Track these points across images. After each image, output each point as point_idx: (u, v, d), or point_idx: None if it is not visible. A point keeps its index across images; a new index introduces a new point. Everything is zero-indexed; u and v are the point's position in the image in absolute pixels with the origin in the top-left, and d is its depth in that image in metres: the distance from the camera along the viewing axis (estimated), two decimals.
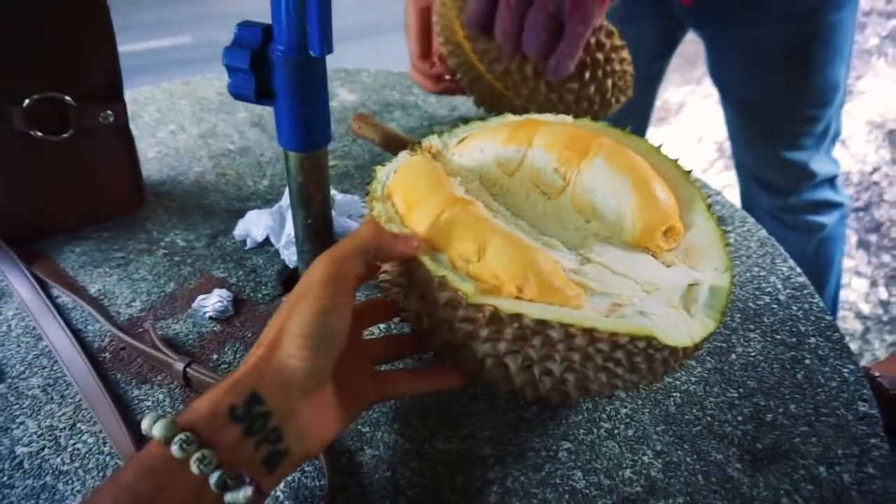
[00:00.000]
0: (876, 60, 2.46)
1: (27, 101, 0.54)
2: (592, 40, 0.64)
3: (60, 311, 0.54)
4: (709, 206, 0.45)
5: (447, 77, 0.79)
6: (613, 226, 0.44)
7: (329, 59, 0.47)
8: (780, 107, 1.01)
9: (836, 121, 1.06)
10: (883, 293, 1.75)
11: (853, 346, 1.49)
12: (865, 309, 1.71)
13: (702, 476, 0.44)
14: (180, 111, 0.87)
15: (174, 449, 0.31)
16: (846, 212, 1.19)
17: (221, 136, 0.81)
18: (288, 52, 0.45)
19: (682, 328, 0.38)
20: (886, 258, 1.84)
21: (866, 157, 2.12)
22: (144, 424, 0.32)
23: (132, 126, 0.62)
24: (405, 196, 0.44)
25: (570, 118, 0.51)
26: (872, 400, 0.51)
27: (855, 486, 0.44)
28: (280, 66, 0.45)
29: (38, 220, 0.60)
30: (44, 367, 0.49)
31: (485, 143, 0.49)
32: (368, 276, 0.44)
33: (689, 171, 0.47)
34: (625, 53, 0.68)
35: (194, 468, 0.31)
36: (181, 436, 0.31)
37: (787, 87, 0.98)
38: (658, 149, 0.48)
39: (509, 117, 0.52)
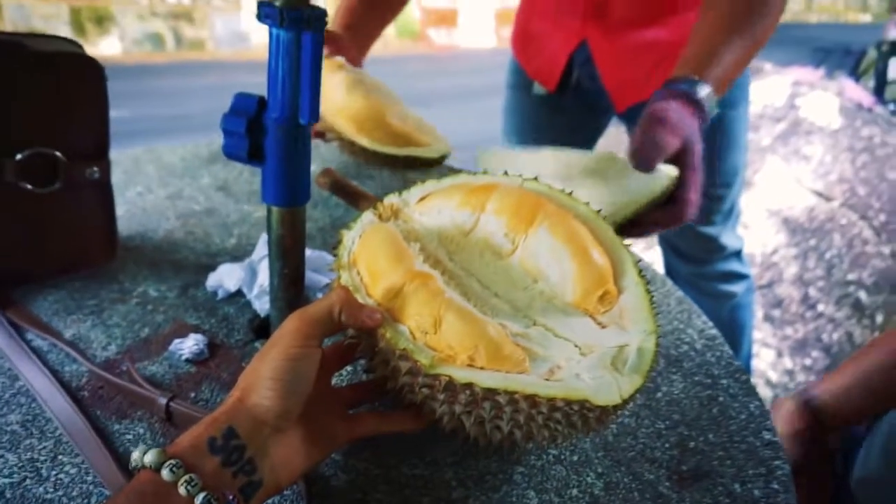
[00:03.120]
0: (770, 157, 2.79)
1: (20, 156, 0.58)
2: None
3: (36, 353, 0.56)
4: (639, 271, 0.51)
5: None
6: (556, 287, 0.50)
7: None
8: None
9: (738, 202, 1.23)
10: (788, 363, 1.91)
11: None
12: (774, 377, 1.86)
13: (637, 493, 0.50)
14: (146, 174, 0.91)
15: (165, 473, 0.35)
16: (752, 283, 1.34)
17: (187, 198, 0.86)
18: (280, 120, 0.52)
19: (613, 388, 0.43)
20: (789, 331, 2.02)
21: (766, 240, 2.36)
22: (135, 455, 0.36)
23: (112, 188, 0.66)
24: (369, 267, 0.49)
25: (519, 178, 0.56)
26: (774, 429, 0.59)
27: (763, 499, 0.51)
28: (273, 131, 0.52)
29: (15, 268, 0.62)
30: (21, 405, 0.51)
31: (442, 205, 0.55)
32: (332, 334, 0.50)
33: (623, 237, 0.53)
34: None
35: (182, 490, 0.35)
36: (171, 461, 0.36)
37: None
38: (597, 214, 0.54)
39: (463, 177, 0.58)
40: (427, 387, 0.43)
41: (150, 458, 0.35)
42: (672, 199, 0.65)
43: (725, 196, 1.19)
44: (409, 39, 9.61)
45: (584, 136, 1.21)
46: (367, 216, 0.55)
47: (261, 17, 0.49)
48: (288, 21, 0.48)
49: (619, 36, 1.02)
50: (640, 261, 0.53)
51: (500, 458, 0.52)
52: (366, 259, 0.50)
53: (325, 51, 0.79)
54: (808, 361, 1.94)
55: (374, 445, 0.51)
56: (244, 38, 7.46)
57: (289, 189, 0.55)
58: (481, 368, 0.43)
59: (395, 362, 0.44)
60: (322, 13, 0.49)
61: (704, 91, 0.69)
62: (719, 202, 1.19)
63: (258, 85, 0.54)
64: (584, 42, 1.05)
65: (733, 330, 1.33)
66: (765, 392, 1.81)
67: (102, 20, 7.89)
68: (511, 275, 0.52)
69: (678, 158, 0.65)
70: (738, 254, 1.29)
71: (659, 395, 0.62)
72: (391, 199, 0.56)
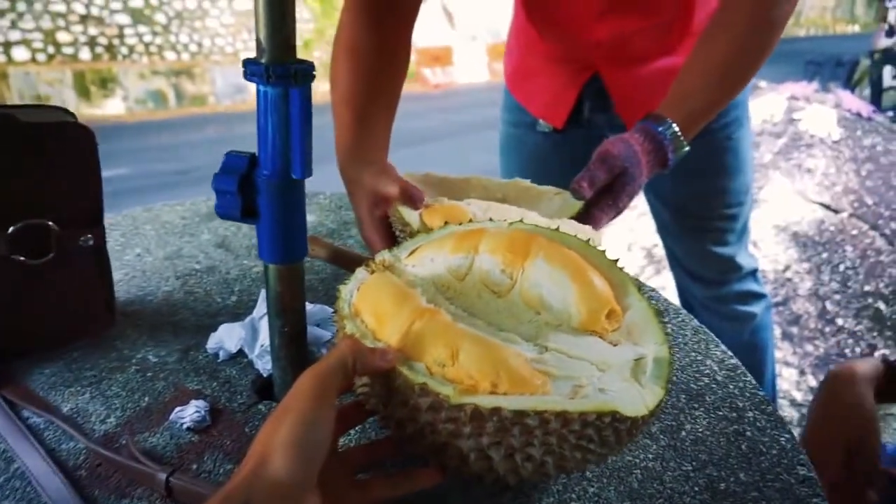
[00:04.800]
0: (772, 173, 2.78)
1: (11, 228, 0.57)
2: None
3: (32, 431, 0.54)
4: (639, 288, 0.51)
5: None
6: (561, 315, 0.50)
7: None
8: (706, 207, 1.15)
9: (749, 221, 1.22)
10: (812, 381, 1.86)
11: None
12: (798, 396, 1.81)
13: None
14: (144, 235, 0.90)
15: None
16: (770, 302, 1.32)
17: (187, 257, 0.85)
18: (272, 177, 0.50)
19: (638, 399, 0.43)
20: (809, 347, 1.97)
21: (777, 257, 2.33)
22: None
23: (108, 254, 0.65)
24: (373, 312, 0.48)
25: (505, 223, 0.57)
26: (809, 464, 0.56)
27: None
28: (265, 189, 0.51)
29: (9, 342, 0.61)
30: (16, 490, 0.49)
31: (434, 254, 0.54)
32: (346, 388, 0.48)
33: (616, 260, 0.53)
34: None
35: None
36: None
37: (710, 190, 1.13)
38: (587, 243, 0.54)
39: (451, 228, 0.58)
40: (451, 421, 0.41)
41: None
42: (583, 218, 0.75)
43: (738, 215, 1.17)
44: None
45: None
46: (361, 272, 0.54)
47: (247, 75, 0.48)
48: (275, 77, 0.47)
49: (634, 66, 1.02)
50: (647, 292, 0.52)
51: None
52: (369, 305, 0.49)
53: (400, 202, 0.72)
54: None
55: None
56: (243, 89, 7.61)
57: (285, 246, 0.53)
58: (504, 394, 0.42)
59: (414, 400, 0.42)
60: (309, 67, 0.49)
61: (670, 131, 0.76)
62: (732, 221, 1.17)
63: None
64: (595, 74, 1.04)
65: (756, 353, 1.30)
66: (790, 413, 1.76)
67: (106, 82, 8.08)
68: (513, 310, 0.51)
69: (608, 185, 0.73)
70: (753, 273, 1.26)
71: (683, 433, 0.59)
72: (382, 256, 0.55)
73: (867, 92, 5.56)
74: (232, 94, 7.95)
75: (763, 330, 1.30)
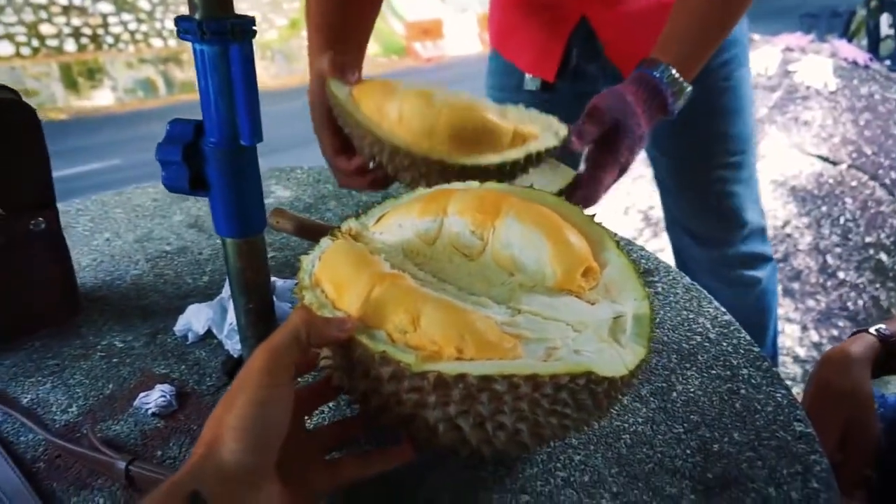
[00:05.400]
0: (768, 127, 2.72)
1: None
2: None
3: None
4: (617, 244, 0.48)
5: (371, 167, 0.72)
6: (535, 275, 0.46)
7: (265, 160, 0.49)
8: (707, 154, 1.09)
9: (755, 172, 1.15)
10: (814, 336, 1.84)
11: (795, 391, 1.54)
12: (801, 352, 1.78)
13: None
14: (114, 219, 0.87)
15: None
16: (776, 266, 1.25)
17: (158, 240, 0.82)
18: (219, 144, 0.47)
19: (616, 359, 0.40)
20: (811, 303, 1.95)
21: (776, 212, 2.29)
22: None
23: (65, 238, 0.62)
24: (332, 280, 0.45)
25: (476, 182, 0.53)
26: (807, 420, 0.53)
27: (803, 501, 0.46)
28: (213, 157, 0.47)
29: None
30: None
31: (402, 219, 0.51)
32: (308, 365, 0.45)
33: (594, 215, 0.50)
34: None
35: None
36: None
37: (710, 136, 1.07)
38: (561, 199, 0.51)
39: (420, 191, 0.54)
40: (415, 391, 0.39)
41: None
42: (585, 179, 0.69)
43: (742, 163, 1.10)
44: (396, 56, 9.63)
45: None
46: (325, 241, 0.51)
47: (180, 33, 0.44)
48: (210, 34, 0.43)
49: (621, 5, 0.96)
50: (636, 251, 0.49)
51: (502, 487, 0.47)
52: (328, 274, 0.46)
53: (331, 74, 0.68)
54: (834, 332, 1.86)
55: (362, 493, 0.46)
56: None
57: (240, 218, 0.50)
58: (471, 360, 0.39)
59: (375, 370, 0.40)
60: (249, 22, 0.45)
61: (666, 74, 0.72)
62: (737, 170, 1.10)
63: None
64: (582, 19, 1.00)
65: (760, 317, 1.24)
66: (794, 369, 1.74)
67: (93, 73, 7.97)
68: (486, 273, 0.48)
69: (606, 140, 0.69)
70: (761, 232, 1.18)
71: (674, 394, 0.56)
72: (349, 224, 0.52)
73: (864, 42, 5.45)
74: None
75: (767, 295, 1.24)
